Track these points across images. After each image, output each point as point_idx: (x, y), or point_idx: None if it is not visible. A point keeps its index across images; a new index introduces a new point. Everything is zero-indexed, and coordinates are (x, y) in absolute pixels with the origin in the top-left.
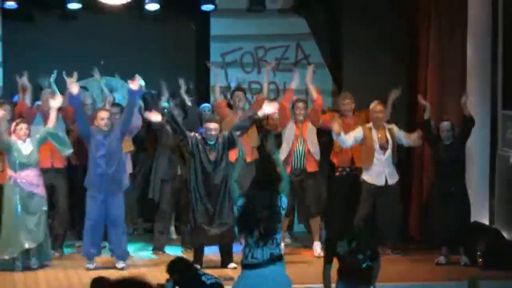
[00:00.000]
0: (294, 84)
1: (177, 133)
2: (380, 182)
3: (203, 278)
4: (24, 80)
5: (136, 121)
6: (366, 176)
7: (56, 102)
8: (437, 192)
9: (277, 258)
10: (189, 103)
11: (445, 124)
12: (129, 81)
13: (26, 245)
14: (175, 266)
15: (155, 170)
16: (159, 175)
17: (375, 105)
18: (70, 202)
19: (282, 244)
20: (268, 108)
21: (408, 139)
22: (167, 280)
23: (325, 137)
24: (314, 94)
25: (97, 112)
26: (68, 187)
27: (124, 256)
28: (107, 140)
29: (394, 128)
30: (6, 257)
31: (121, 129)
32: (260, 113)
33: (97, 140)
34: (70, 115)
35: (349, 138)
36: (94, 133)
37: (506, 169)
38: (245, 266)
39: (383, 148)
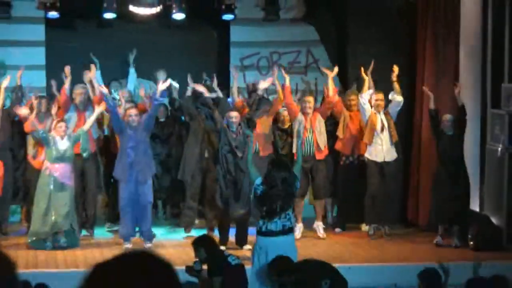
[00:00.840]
0: (287, 82)
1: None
2: (380, 158)
3: (229, 259)
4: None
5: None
6: (367, 154)
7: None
8: (442, 177)
9: (289, 230)
10: (220, 95)
11: (448, 116)
12: (160, 82)
13: (57, 227)
14: (201, 242)
15: (186, 154)
16: (191, 158)
17: (376, 95)
18: (105, 189)
19: (298, 231)
20: (264, 84)
21: (392, 99)
22: (195, 261)
23: (330, 126)
24: (332, 91)
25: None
26: (97, 172)
27: (151, 237)
28: (136, 133)
29: (389, 109)
30: (42, 236)
31: (146, 124)
32: (261, 86)
33: (127, 133)
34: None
35: (367, 110)
36: (124, 127)
37: (494, 161)
38: (260, 233)
39: (382, 129)
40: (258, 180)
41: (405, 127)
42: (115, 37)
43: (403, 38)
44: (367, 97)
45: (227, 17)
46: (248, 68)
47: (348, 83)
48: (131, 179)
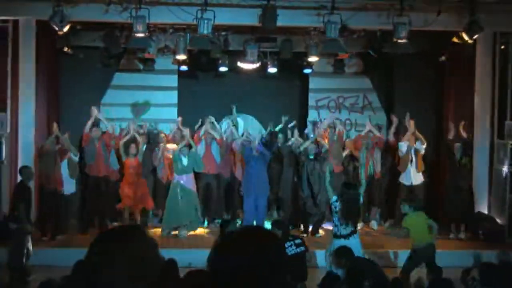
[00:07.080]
0: (364, 133)
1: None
2: (408, 182)
3: (287, 250)
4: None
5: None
6: (401, 178)
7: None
8: (451, 187)
9: (354, 232)
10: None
11: (457, 145)
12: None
13: (183, 221)
14: (276, 224)
15: (282, 179)
16: (286, 182)
17: (410, 135)
18: (226, 195)
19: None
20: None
21: (421, 144)
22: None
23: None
24: (378, 134)
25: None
26: (218, 186)
27: None
28: (256, 161)
29: (416, 147)
30: (173, 225)
31: (264, 157)
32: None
33: (251, 160)
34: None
35: (403, 151)
36: (249, 156)
37: (499, 178)
38: (336, 237)
39: (412, 161)
40: (334, 198)
41: (435, 151)
42: (227, 84)
43: (434, 86)
44: (405, 144)
45: (307, 71)
46: (321, 107)
47: (393, 120)
48: (251, 192)
